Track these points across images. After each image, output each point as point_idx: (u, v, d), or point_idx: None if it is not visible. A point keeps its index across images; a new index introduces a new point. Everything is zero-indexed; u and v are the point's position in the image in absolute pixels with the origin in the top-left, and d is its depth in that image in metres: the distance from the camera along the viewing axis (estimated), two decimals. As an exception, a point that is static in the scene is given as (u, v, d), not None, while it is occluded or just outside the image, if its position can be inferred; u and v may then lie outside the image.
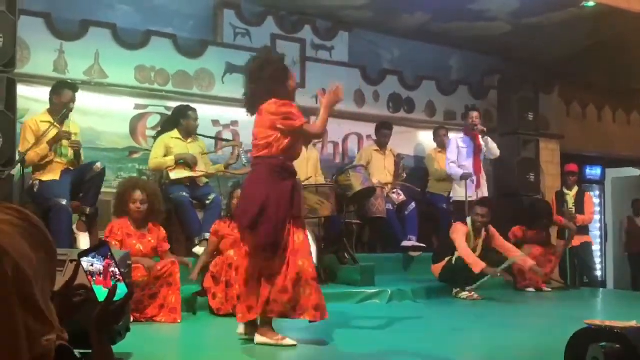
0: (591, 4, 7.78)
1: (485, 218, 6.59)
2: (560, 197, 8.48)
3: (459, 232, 6.56)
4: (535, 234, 7.63)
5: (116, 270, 1.51)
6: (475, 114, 7.65)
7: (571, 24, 8.42)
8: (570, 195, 8.43)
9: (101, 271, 1.50)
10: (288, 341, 3.98)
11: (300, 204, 4.13)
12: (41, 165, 5.59)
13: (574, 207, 8.34)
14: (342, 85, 4.34)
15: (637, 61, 9.29)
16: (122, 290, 1.51)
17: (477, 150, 7.51)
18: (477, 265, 6.33)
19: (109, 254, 1.52)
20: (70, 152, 5.74)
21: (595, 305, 7.09)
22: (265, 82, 4.11)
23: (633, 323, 4.11)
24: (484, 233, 6.70)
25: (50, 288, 1.31)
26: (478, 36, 9.02)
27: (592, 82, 10.16)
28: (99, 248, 1.54)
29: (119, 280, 1.52)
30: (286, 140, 4.05)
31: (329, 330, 4.68)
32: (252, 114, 4.20)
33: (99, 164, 5.71)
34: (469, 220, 6.68)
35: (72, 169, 5.73)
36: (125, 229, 5.03)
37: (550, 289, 7.49)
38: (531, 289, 7.35)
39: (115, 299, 1.51)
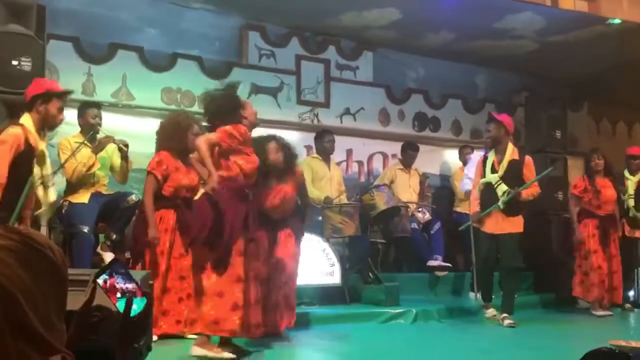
0: (617, 21, 7.71)
1: (492, 132, 6.25)
2: (620, 180, 7.59)
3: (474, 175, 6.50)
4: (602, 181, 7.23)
5: (130, 285, 1.55)
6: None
7: (598, 41, 8.34)
8: (633, 180, 7.56)
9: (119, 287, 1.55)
10: (226, 355, 4.04)
11: (254, 227, 4.31)
12: (73, 187, 5.63)
13: (633, 194, 7.55)
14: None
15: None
16: (140, 304, 1.55)
17: None
18: (472, 208, 6.35)
19: (123, 270, 1.57)
20: (102, 175, 5.77)
21: (629, 326, 6.91)
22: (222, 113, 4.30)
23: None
24: (511, 147, 6.22)
25: (59, 309, 1.32)
26: (504, 54, 9.00)
27: (621, 99, 10.04)
28: (111, 265, 1.58)
29: (135, 294, 1.55)
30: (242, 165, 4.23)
31: (352, 350, 4.66)
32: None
33: (134, 196, 5.70)
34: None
35: (104, 193, 5.78)
36: (172, 162, 5.00)
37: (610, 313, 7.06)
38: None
39: (134, 313, 1.54)
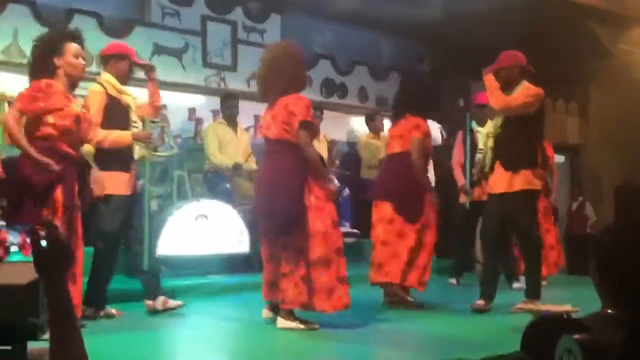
0: (523, -9, 7.87)
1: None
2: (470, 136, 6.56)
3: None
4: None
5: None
6: None
7: (504, 12, 8.49)
8: (483, 133, 5.64)
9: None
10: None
11: (71, 192, 3.92)
12: None
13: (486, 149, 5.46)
14: None
15: (565, 50, 9.47)
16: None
17: None
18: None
19: None
20: None
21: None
22: (41, 59, 3.97)
23: (568, 307, 4.17)
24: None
25: None
26: (411, 22, 9.00)
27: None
28: None
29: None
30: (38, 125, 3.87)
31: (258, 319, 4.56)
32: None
33: None
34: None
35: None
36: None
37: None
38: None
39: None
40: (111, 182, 4.42)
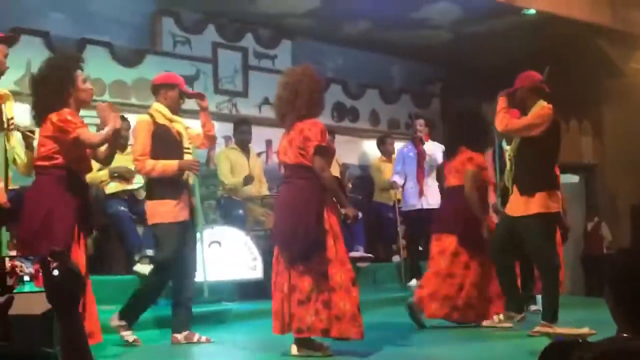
0: (532, 11, 7.88)
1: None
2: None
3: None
4: None
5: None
6: (420, 121, 7.65)
7: (513, 32, 8.52)
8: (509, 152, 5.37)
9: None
10: None
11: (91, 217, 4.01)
12: None
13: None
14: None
15: (575, 69, 9.46)
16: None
17: (420, 158, 7.46)
18: None
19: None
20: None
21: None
22: (48, 91, 4.00)
23: (585, 330, 4.10)
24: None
25: None
26: (420, 45, 9.05)
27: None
28: None
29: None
30: (71, 152, 3.91)
31: (273, 345, 4.52)
32: (38, 124, 4.07)
33: None
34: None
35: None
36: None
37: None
38: None
39: None
40: (156, 210, 4.44)
